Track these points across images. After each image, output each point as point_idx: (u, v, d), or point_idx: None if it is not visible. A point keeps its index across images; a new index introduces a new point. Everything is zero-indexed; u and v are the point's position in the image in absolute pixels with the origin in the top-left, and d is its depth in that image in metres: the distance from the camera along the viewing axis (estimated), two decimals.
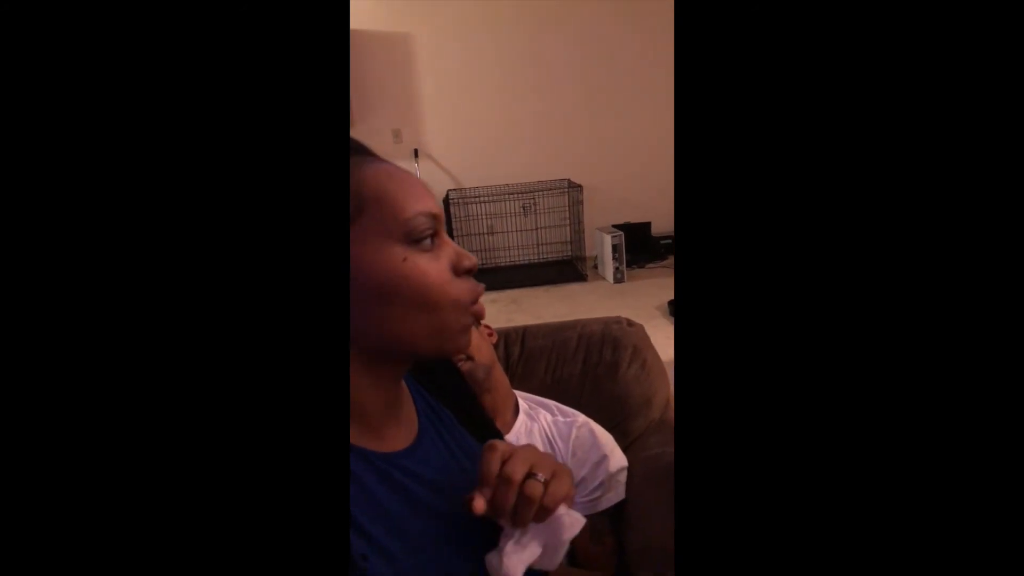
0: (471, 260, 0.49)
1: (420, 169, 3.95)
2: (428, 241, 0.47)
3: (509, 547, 0.50)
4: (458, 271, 0.48)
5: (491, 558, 0.50)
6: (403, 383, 0.54)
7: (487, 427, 0.66)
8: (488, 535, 0.53)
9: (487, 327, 1.16)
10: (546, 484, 0.48)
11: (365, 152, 0.49)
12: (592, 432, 1.04)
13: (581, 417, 1.07)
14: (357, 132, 4.15)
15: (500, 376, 1.11)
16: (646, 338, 1.20)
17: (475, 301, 0.49)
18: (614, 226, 3.80)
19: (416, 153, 3.95)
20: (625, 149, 3.97)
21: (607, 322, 1.22)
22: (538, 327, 1.27)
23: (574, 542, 1.01)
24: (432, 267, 0.46)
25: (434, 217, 0.47)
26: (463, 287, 0.48)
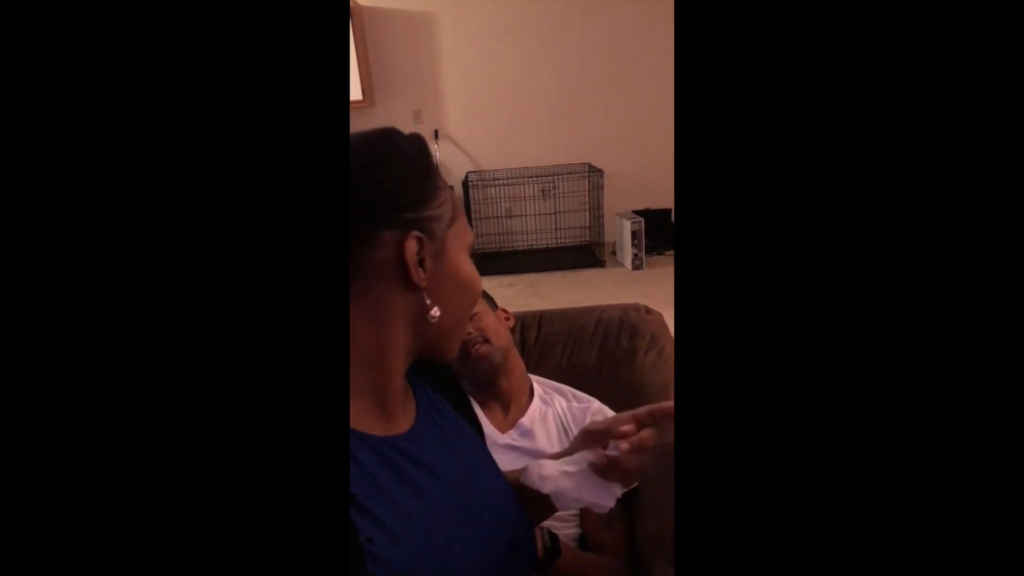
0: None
1: (440, 150, 3.93)
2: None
3: (564, 467, 0.58)
4: None
5: (539, 464, 0.59)
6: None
7: (472, 416, 0.69)
8: (485, 520, 0.55)
9: (504, 311, 1.15)
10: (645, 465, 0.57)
11: None
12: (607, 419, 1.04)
13: (596, 403, 1.07)
14: (378, 112, 4.12)
15: (516, 360, 1.11)
16: (664, 326, 1.19)
17: None
18: (634, 212, 3.76)
19: (436, 134, 3.93)
20: (647, 134, 3.91)
21: (625, 309, 1.21)
22: (555, 312, 1.27)
23: (585, 527, 1.02)
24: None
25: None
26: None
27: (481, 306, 1.08)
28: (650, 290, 3.33)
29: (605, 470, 0.56)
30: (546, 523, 0.97)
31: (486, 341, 1.04)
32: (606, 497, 0.57)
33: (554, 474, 0.58)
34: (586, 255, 3.90)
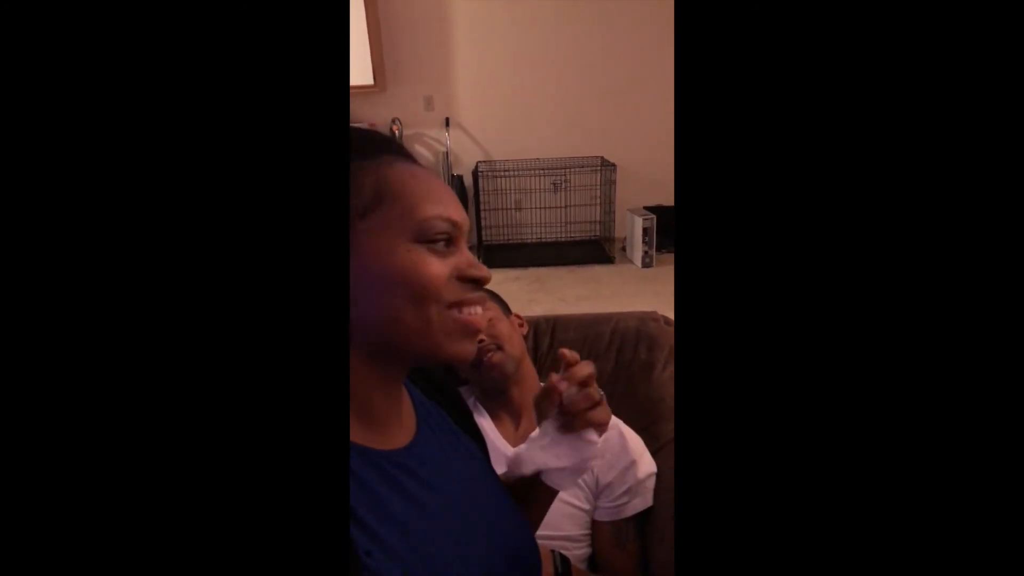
0: (481, 271, 0.49)
1: (450, 139, 3.88)
2: (441, 244, 0.48)
3: (533, 442, 0.57)
4: (462, 277, 0.48)
5: (512, 454, 0.56)
6: (401, 383, 0.54)
7: (474, 430, 0.67)
8: (486, 537, 0.54)
9: (518, 317, 1.11)
10: (599, 401, 0.57)
11: (398, 152, 0.50)
12: (622, 435, 1.00)
13: (611, 418, 1.03)
14: (388, 97, 4.03)
15: (529, 369, 1.07)
16: None
17: (460, 307, 0.49)
18: (645, 208, 3.70)
19: (447, 122, 3.87)
20: (661, 129, 3.83)
21: (643, 318, 1.17)
22: (569, 319, 1.23)
23: (596, 547, 0.98)
24: (433, 263, 0.47)
25: (453, 223, 0.48)
26: (458, 291, 0.48)
27: (494, 311, 1.04)
28: (659, 288, 3.28)
29: (569, 423, 0.57)
30: (556, 544, 0.94)
31: (499, 348, 1.00)
32: (585, 448, 0.57)
33: (527, 453, 0.57)
34: (595, 250, 3.85)
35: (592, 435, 0.58)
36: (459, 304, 0.48)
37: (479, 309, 0.49)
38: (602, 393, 0.58)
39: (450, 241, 0.48)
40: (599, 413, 0.58)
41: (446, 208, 0.48)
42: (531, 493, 0.63)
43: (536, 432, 0.59)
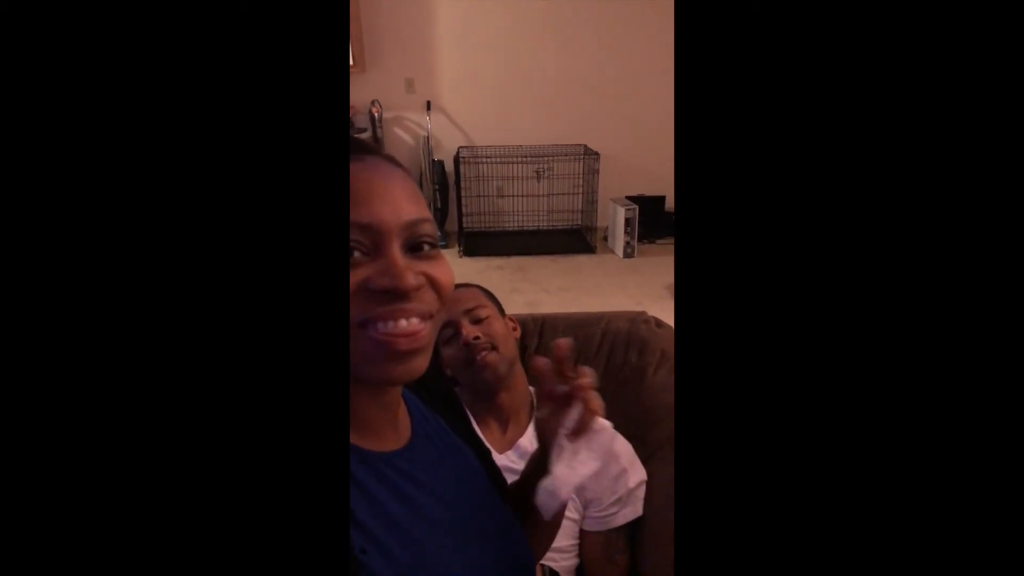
0: (387, 281, 0.42)
1: (432, 123, 3.79)
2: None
3: (559, 463, 0.53)
4: (370, 288, 0.42)
5: (543, 491, 0.53)
6: (398, 390, 0.53)
7: (474, 439, 0.66)
8: (482, 541, 0.53)
9: (511, 319, 1.07)
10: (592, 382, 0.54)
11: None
12: (612, 441, 0.97)
13: (600, 421, 1.00)
14: (368, 78, 3.91)
15: (519, 373, 1.04)
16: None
17: (373, 324, 0.42)
18: (628, 198, 3.68)
19: (429, 105, 3.79)
20: (645, 119, 3.80)
21: (634, 320, 1.14)
22: (558, 318, 1.19)
23: (584, 558, 0.96)
24: None
25: (368, 228, 0.42)
26: (367, 306, 0.42)
27: (490, 310, 1.00)
28: (640, 279, 3.27)
29: (578, 425, 0.54)
30: (544, 555, 0.91)
31: (494, 348, 0.97)
32: (603, 436, 0.54)
33: (563, 481, 0.53)
34: (577, 240, 3.82)
35: (599, 422, 0.55)
36: (372, 321, 0.42)
37: (404, 323, 0.42)
38: (588, 370, 0.55)
39: (372, 248, 0.42)
40: (596, 397, 0.54)
41: (359, 213, 0.42)
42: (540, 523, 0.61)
43: (555, 452, 0.55)
